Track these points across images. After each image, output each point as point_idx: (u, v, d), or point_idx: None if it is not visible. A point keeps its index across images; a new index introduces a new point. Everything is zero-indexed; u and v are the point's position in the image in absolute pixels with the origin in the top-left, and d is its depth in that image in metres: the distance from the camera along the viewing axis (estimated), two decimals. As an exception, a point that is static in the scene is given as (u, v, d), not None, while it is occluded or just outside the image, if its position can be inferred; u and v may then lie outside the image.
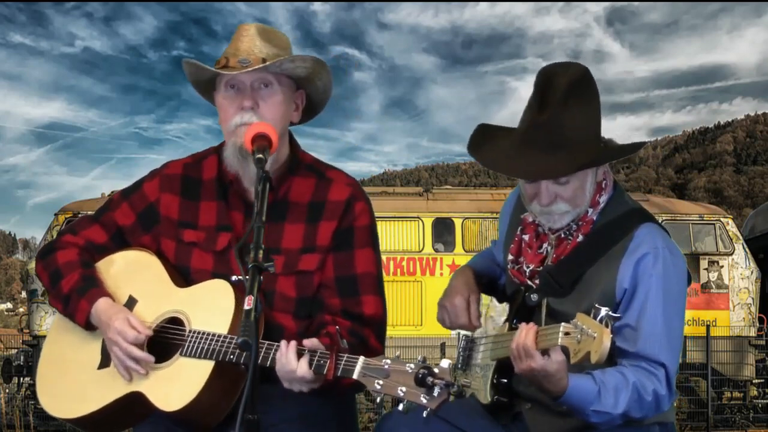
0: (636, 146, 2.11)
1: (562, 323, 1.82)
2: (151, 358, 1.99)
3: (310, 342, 1.86)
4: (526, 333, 1.90)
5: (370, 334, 2.08)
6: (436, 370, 1.68)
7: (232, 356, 1.92)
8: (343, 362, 1.80)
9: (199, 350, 1.95)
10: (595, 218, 2.11)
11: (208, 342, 1.95)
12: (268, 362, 1.88)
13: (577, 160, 1.98)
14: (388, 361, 1.74)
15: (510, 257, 2.21)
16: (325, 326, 2.04)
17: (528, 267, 2.15)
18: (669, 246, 2.04)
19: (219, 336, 1.95)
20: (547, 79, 2.03)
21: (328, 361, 1.81)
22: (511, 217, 2.30)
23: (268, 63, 2.02)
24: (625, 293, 2.00)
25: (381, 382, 1.73)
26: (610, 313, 1.79)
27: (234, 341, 1.92)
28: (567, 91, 1.99)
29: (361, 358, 1.78)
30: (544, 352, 1.87)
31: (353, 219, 2.12)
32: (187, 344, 1.98)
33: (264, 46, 2.05)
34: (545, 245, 2.14)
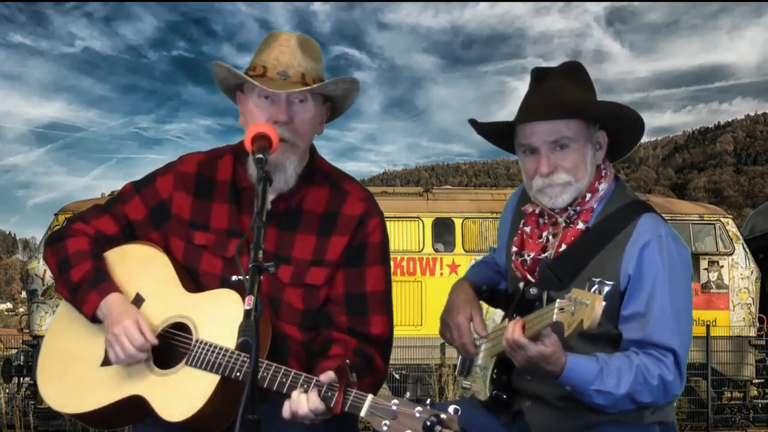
0: (629, 110, 2.14)
1: (557, 300, 1.85)
2: (144, 357, 1.98)
3: (326, 377, 1.82)
4: (512, 328, 1.93)
5: (375, 354, 2.06)
6: (443, 416, 1.66)
7: (238, 373, 1.90)
8: (351, 398, 1.78)
9: (205, 362, 1.93)
10: (594, 206, 2.13)
11: (215, 355, 1.93)
12: (275, 386, 1.86)
13: (572, 107, 2.07)
14: (396, 401, 1.72)
15: (514, 249, 2.22)
16: (332, 344, 2.03)
17: (529, 255, 2.17)
18: (672, 234, 2.07)
19: (226, 350, 1.93)
20: (543, 68, 2.17)
21: (336, 394, 1.78)
22: (513, 213, 2.33)
23: (315, 86, 2.00)
24: (630, 280, 2.02)
25: (388, 422, 1.70)
26: (603, 280, 1.85)
27: (241, 358, 1.91)
28: (562, 71, 2.13)
29: (370, 396, 1.75)
30: (537, 338, 1.90)
31: (366, 235, 2.10)
32: (193, 353, 1.96)
33: (303, 59, 2.02)
34: (545, 233, 2.16)
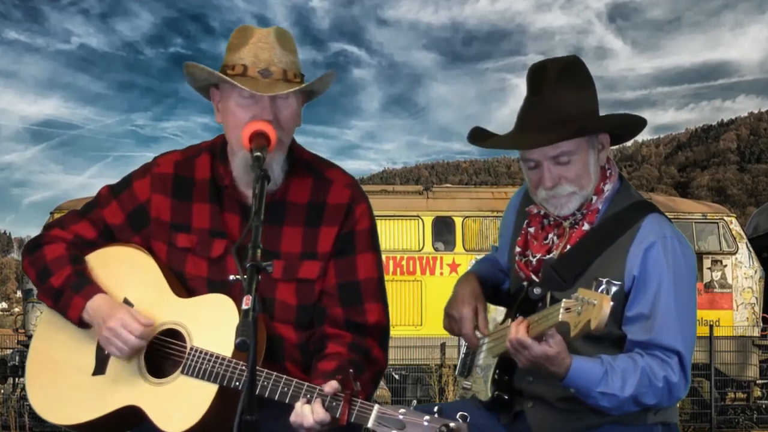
0: (631, 117, 2.13)
1: (564, 299, 1.84)
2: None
3: (330, 387, 1.78)
4: (516, 328, 1.93)
5: (372, 343, 2.04)
6: (452, 425, 1.64)
7: (237, 383, 1.87)
8: (357, 408, 1.75)
9: (201, 371, 1.90)
10: (600, 207, 2.12)
11: (211, 364, 1.90)
12: (276, 396, 1.83)
13: (570, 128, 2.01)
14: (403, 410, 1.70)
15: (517, 249, 2.22)
16: (328, 341, 2.00)
17: (534, 257, 2.16)
18: (677, 235, 2.07)
19: (223, 359, 1.89)
20: (538, 68, 2.10)
21: (341, 405, 1.75)
22: (517, 213, 2.32)
23: (304, 86, 1.99)
24: (635, 281, 2.02)
25: None
26: (611, 280, 1.86)
27: (240, 367, 1.88)
28: (558, 75, 2.06)
29: (376, 407, 1.72)
30: (541, 339, 1.89)
31: (354, 223, 2.08)
32: (188, 362, 1.92)
33: (283, 54, 1.99)
34: (551, 235, 2.16)
